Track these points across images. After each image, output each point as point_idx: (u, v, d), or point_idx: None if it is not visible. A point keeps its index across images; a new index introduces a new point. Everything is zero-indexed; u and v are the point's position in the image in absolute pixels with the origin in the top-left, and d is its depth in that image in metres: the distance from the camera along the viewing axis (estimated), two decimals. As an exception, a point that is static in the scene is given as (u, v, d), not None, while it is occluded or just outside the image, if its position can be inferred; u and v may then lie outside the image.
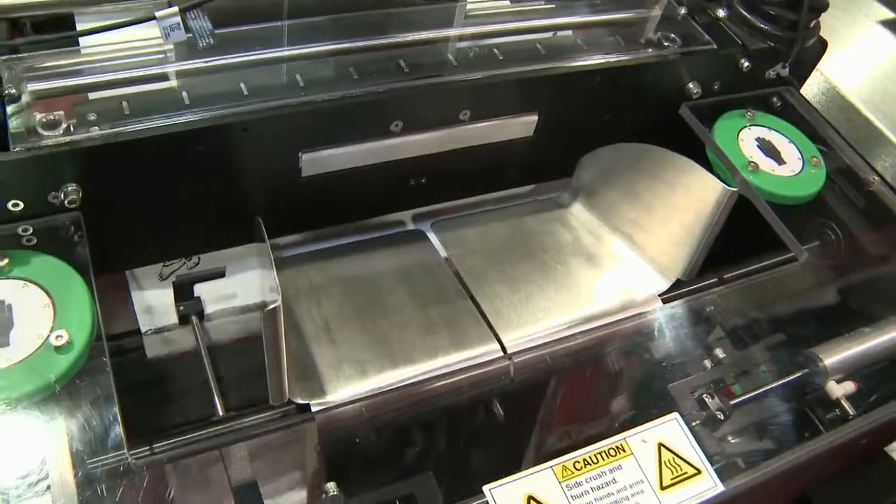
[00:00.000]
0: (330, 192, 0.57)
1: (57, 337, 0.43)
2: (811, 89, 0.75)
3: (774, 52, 0.66)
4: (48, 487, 0.41)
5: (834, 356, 0.56)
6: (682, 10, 0.67)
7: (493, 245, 0.62)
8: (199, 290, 0.61)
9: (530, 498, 0.43)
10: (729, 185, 0.57)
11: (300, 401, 0.48)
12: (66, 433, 0.42)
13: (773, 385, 0.53)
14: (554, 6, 0.69)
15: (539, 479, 0.43)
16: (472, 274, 0.59)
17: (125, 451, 0.42)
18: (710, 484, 0.45)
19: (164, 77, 0.54)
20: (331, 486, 0.44)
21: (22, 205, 0.48)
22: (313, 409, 0.47)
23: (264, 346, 0.42)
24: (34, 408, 0.43)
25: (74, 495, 0.41)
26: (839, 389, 0.54)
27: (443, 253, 0.62)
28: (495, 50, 0.60)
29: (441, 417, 0.50)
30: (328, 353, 0.52)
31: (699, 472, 0.45)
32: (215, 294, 0.62)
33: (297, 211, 0.58)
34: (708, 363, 0.53)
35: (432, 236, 0.62)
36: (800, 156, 0.65)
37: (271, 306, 0.41)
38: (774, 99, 0.70)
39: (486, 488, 0.42)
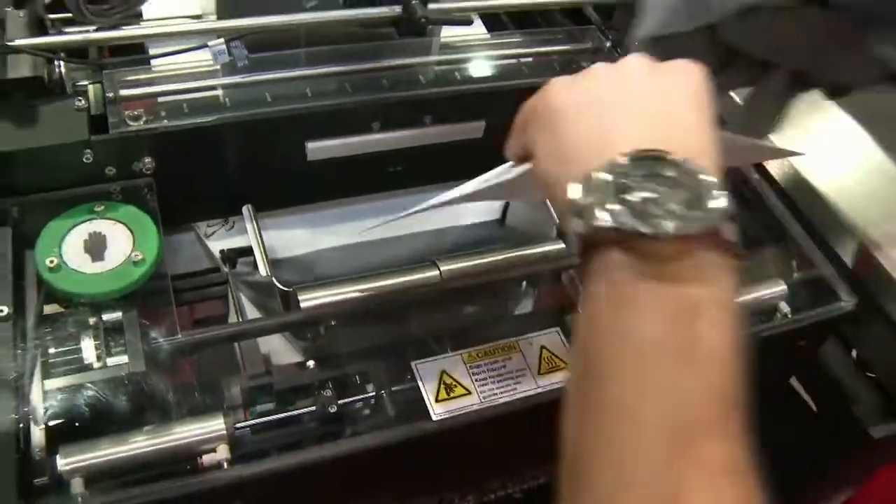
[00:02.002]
0: (327, 172, 0.78)
1: (135, 255, 0.65)
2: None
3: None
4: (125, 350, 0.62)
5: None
6: (608, 44, 0.87)
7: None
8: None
9: (443, 372, 0.62)
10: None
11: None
12: (139, 318, 0.64)
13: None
14: (520, 40, 0.90)
15: (451, 361, 0.63)
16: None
17: (178, 334, 0.64)
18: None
19: (212, 88, 0.75)
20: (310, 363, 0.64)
21: (114, 170, 0.70)
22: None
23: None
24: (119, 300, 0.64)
25: (143, 360, 0.62)
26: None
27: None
28: (456, 73, 0.81)
29: (387, 315, 0.69)
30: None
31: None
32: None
33: (303, 186, 0.79)
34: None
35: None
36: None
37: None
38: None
39: (413, 363, 0.63)
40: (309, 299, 0.67)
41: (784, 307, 0.73)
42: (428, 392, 0.61)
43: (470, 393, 0.61)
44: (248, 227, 0.76)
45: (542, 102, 0.43)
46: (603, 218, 0.34)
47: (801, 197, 0.83)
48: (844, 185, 0.81)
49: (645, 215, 0.33)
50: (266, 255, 0.73)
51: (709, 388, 0.33)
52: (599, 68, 0.43)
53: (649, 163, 0.35)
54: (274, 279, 0.70)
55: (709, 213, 0.34)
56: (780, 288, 0.75)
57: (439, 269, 0.70)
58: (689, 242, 0.34)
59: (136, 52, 0.79)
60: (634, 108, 0.39)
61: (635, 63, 0.42)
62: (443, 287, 0.69)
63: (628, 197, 0.34)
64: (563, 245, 0.76)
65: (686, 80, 0.40)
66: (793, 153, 0.73)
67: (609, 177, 0.35)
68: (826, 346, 0.81)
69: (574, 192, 0.36)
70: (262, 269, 0.72)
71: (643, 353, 0.34)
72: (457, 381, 0.61)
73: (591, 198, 0.35)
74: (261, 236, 0.75)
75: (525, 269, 0.74)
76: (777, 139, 0.84)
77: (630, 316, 0.34)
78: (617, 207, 0.34)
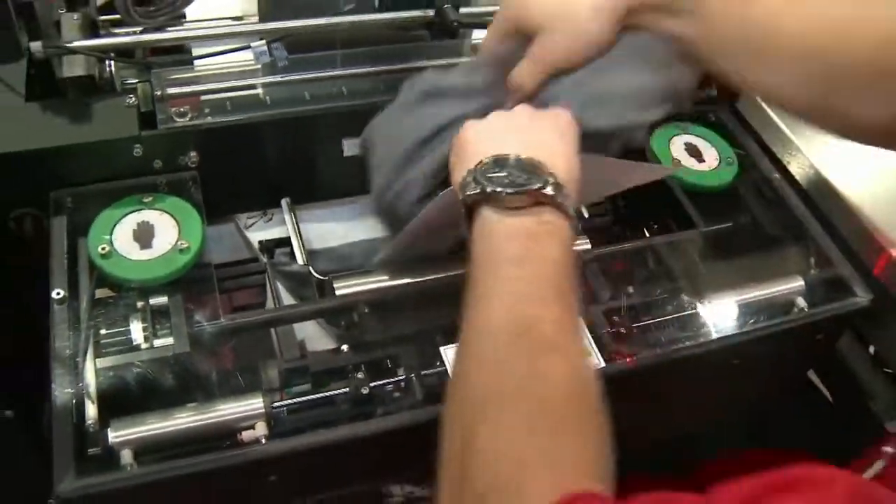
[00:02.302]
0: (362, 168, 0.82)
1: (181, 244, 0.69)
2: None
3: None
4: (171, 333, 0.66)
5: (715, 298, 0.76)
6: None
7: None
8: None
9: (470, 357, 0.65)
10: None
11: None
12: (184, 303, 0.68)
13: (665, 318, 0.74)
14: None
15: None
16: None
17: (221, 318, 0.68)
18: (594, 363, 0.67)
19: (253, 87, 0.79)
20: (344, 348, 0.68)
21: (161, 163, 0.74)
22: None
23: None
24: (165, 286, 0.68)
25: (187, 341, 0.66)
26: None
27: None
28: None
29: (419, 307, 0.73)
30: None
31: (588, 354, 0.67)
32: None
33: (339, 180, 0.83)
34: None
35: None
36: (717, 157, 0.87)
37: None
38: (710, 115, 0.92)
39: (441, 348, 0.66)
40: (344, 287, 0.70)
41: (801, 302, 0.75)
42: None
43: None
44: (286, 218, 0.80)
45: (459, 137, 0.60)
46: (472, 188, 0.53)
47: (821, 199, 0.85)
48: (866, 189, 0.83)
49: (497, 184, 0.52)
50: (303, 246, 0.77)
51: (542, 280, 0.49)
52: (498, 114, 0.61)
53: (503, 160, 0.54)
54: (311, 268, 0.74)
55: (531, 183, 0.52)
56: (798, 284, 0.77)
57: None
58: (527, 199, 0.52)
59: (177, 52, 0.83)
60: (516, 136, 0.57)
61: (523, 110, 0.61)
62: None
63: (489, 175, 0.53)
64: (587, 244, 0.80)
65: (556, 121, 0.60)
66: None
67: (479, 168, 0.54)
68: (844, 343, 0.83)
69: (459, 176, 0.56)
70: (300, 259, 0.76)
71: (496, 262, 0.51)
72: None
73: (469, 178, 0.54)
74: (298, 228, 0.78)
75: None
76: (803, 144, 0.87)
77: (490, 241, 0.52)
78: (482, 181, 0.53)
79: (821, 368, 0.88)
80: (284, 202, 0.80)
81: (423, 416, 0.62)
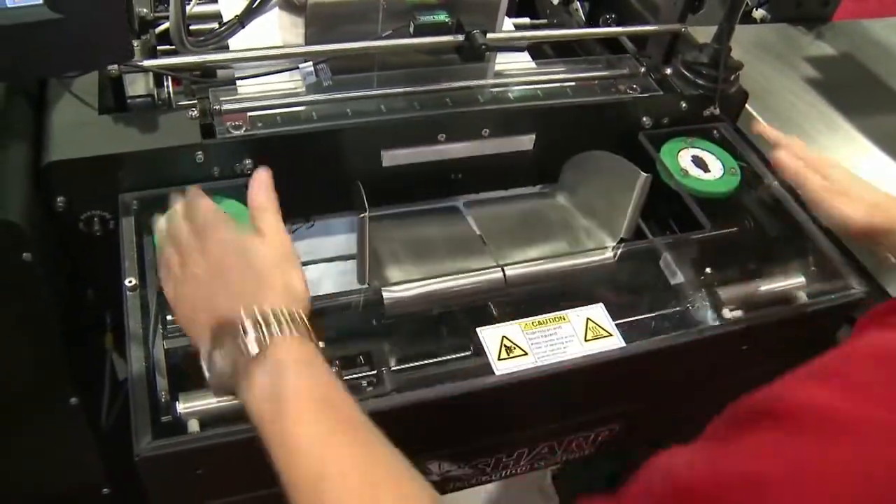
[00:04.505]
0: (400, 177, 0.90)
1: (240, 239, 0.76)
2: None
3: (703, 98, 0.96)
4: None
5: (729, 291, 0.83)
6: (642, 69, 0.99)
7: (503, 218, 0.93)
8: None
9: (503, 337, 0.72)
10: (669, 185, 0.88)
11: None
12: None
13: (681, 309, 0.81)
14: (564, 67, 1.01)
15: (510, 328, 0.73)
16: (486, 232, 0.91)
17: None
18: (618, 343, 0.74)
19: (302, 104, 0.87)
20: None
21: (219, 170, 0.81)
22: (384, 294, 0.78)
23: (357, 242, 0.74)
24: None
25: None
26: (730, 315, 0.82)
27: (470, 222, 0.93)
28: (509, 93, 0.93)
29: (459, 306, 0.80)
30: (395, 269, 0.83)
31: (611, 335, 0.74)
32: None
33: (379, 189, 0.90)
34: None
35: (464, 210, 0.95)
36: (722, 167, 0.94)
37: (362, 215, 0.74)
38: (714, 131, 1.00)
39: (478, 329, 0.73)
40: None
41: (802, 296, 0.82)
42: (491, 353, 0.71)
43: (527, 354, 0.71)
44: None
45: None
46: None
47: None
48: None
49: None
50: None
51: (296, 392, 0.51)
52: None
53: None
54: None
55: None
56: (799, 280, 0.84)
57: (504, 274, 0.80)
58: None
59: (214, 76, 0.92)
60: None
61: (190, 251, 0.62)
62: (506, 291, 0.80)
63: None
64: (609, 254, 0.87)
65: (224, 248, 0.60)
66: None
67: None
68: (844, 335, 0.89)
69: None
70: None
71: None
72: (515, 345, 0.71)
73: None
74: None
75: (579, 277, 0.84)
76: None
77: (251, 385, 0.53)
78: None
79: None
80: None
81: (468, 387, 0.69)
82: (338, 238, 0.95)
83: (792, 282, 0.84)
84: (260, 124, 0.83)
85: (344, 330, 0.77)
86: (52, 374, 0.81)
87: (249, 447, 0.64)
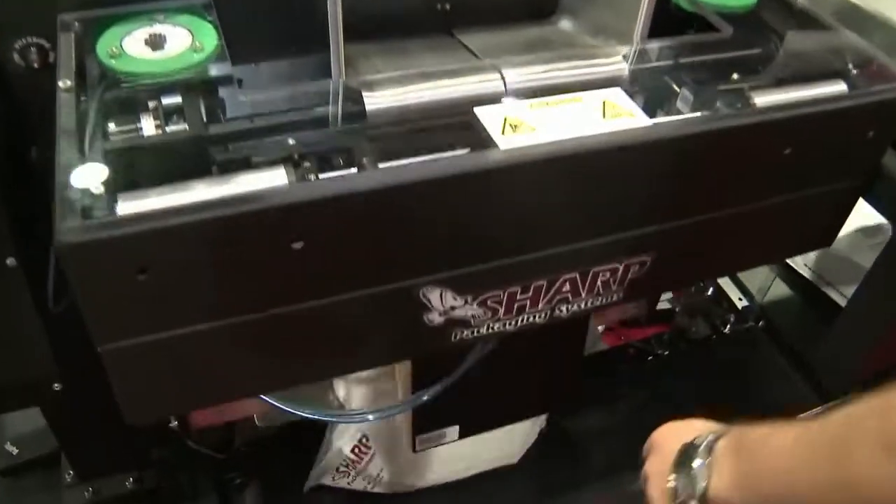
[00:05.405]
0: (377, 8, 0.79)
1: (196, 45, 0.64)
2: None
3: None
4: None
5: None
6: None
7: (501, 43, 0.81)
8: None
9: (506, 117, 0.61)
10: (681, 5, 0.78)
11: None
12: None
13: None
14: None
15: (513, 106, 0.62)
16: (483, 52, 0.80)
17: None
18: (644, 121, 0.62)
19: None
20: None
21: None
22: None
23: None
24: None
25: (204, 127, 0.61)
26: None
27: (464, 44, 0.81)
28: None
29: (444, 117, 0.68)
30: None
31: (633, 115, 0.63)
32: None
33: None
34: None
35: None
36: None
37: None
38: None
39: (475, 110, 0.61)
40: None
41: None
42: (493, 131, 0.59)
43: (536, 130, 0.59)
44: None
45: None
46: None
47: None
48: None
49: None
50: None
51: None
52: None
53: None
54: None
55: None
56: (840, 86, 0.73)
57: (503, 79, 0.69)
58: None
59: None
60: None
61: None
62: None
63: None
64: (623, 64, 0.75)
65: None
66: None
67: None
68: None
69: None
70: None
71: None
72: (522, 121, 0.60)
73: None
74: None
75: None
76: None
77: None
78: None
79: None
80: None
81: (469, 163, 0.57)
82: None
83: (832, 88, 0.74)
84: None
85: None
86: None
87: (210, 238, 0.54)
